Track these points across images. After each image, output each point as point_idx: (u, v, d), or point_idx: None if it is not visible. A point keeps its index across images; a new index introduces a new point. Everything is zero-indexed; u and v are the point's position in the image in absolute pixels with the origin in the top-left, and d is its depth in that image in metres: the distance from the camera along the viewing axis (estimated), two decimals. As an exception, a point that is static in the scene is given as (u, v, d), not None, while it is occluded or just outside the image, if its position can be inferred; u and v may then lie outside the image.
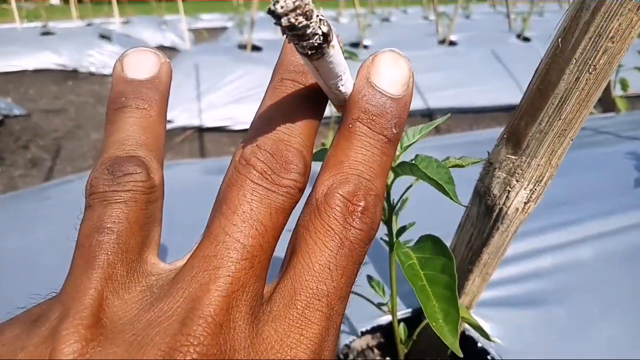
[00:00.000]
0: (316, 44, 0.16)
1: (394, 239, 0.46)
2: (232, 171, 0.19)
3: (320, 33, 0.16)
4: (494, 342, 0.62)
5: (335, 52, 0.17)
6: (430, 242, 0.39)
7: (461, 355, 0.37)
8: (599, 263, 0.82)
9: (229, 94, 3.10)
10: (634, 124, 1.53)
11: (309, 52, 0.16)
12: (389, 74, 0.20)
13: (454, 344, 0.35)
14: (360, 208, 0.18)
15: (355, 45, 4.13)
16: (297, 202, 0.19)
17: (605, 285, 0.77)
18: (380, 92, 0.20)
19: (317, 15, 0.15)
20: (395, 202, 0.46)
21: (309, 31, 0.15)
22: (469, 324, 0.54)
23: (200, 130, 2.96)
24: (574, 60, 0.39)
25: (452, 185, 0.36)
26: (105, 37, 4.93)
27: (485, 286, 0.56)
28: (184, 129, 2.94)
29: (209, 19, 9.25)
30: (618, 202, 1.00)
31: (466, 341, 0.64)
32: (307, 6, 0.14)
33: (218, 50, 3.95)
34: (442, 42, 4.35)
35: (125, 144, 0.20)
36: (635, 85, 2.00)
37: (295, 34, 0.15)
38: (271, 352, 0.16)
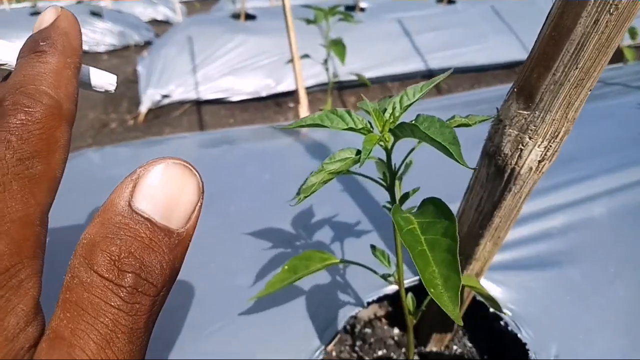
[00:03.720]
0: None
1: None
2: None
3: None
4: (505, 314, 0.60)
5: None
6: (432, 206, 0.36)
7: (461, 324, 0.35)
8: (612, 220, 0.79)
9: (225, 65, 3.03)
10: (643, 75, 1.48)
11: None
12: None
13: (454, 312, 0.32)
14: None
15: (352, 8, 4.00)
16: None
17: (619, 242, 0.75)
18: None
19: None
20: (397, 166, 0.43)
21: None
22: (478, 293, 0.52)
23: (198, 103, 2.91)
24: (592, 1, 0.35)
25: (457, 145, 0.33)
26: (96, 14, 4.78)
27: (498, 250, 0.53)
28: (181, 102, 2.89)
29: (201, -11, 9.04)
30: (628, 155, 0.96)
31: (477, 307, 0.62)
32: None
33: (211, 21, 3.84)
34: (440, 0, 4.22)
35: None
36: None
37: None
38: None
